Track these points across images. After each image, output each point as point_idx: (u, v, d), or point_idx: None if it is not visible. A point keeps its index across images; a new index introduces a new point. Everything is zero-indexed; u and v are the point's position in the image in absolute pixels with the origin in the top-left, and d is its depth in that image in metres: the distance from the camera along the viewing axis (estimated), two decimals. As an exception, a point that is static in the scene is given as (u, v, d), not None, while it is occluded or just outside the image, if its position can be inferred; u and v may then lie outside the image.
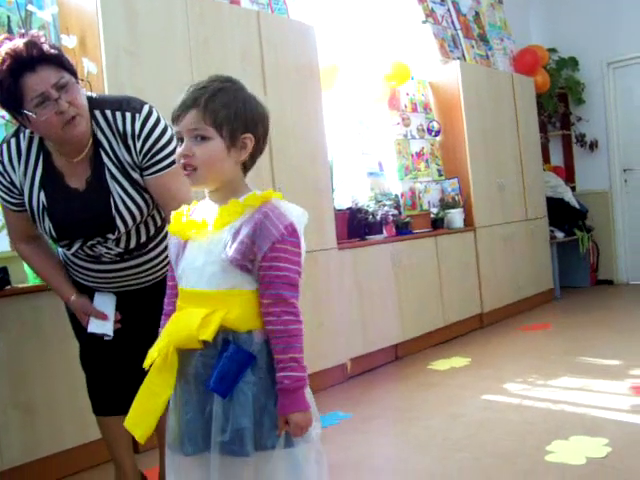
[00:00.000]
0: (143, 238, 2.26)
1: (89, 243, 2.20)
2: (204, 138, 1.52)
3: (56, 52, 2.05)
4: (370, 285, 4.73)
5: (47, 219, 2.18)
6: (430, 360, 4.83)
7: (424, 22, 6.21)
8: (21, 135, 2.18)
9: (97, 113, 2.14)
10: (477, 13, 7.05)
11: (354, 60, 5.27)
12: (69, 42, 3.37)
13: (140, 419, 1.58)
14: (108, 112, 2.14)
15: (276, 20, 4.38)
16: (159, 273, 2.33)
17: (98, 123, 2.14)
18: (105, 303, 2.31)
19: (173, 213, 1.69)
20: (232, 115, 1.53)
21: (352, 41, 5.37)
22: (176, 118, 1.55)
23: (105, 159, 2.14)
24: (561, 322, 5.89)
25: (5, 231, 3.23)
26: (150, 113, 2.16)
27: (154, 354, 1.56)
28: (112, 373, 2.39)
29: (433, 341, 5.34)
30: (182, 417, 1.54)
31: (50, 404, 3.02)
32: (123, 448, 2.47)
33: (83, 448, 3.09)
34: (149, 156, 2.14)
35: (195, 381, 1.53)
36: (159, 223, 2.30)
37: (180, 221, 1.63)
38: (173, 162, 2.14)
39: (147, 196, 2.20)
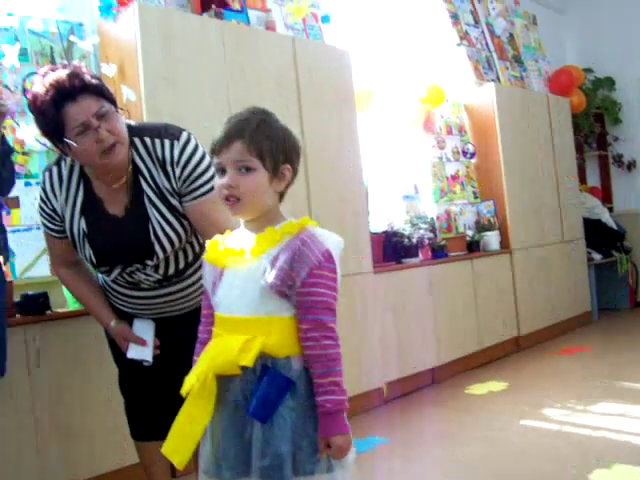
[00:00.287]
0: (182, 265, 2.28)
1: (128, 269, 2.23)
2: (249, 169, 1.55)
3: (97, 82, 2.09)
4: (406, 308, 4.71)
5: (87, 245, 2.21)
6: (467, 384, 4.78)
7: (458, 45, 6.22)
8: (62, 163, 2.22)
9: (136, 140, 2.18)
10: (511, 35, 7.04)
11: (389, 83, 5.30)
12: (109, 71, 3.44)
13: (179, 445, 1.60)
14: (147, 139, 2.18)
15: (311, 45, 4.42)
16: (197, 299, 2.33)
17: (137, 150, 2.17)
18: (144, 329, 2.33)
19: (208, 242, 1.72)
20: (274, 147, 1.57)
21: (387, 65, 5.40)
22: (219, 149, 1.57)
23: (144, 186, 2.17)
24: (600, 345, 5.81)
25: (45, 256, 3.32)
26: (188, 140, 2.19)
27: (192, 380, 1.57)
28: (150, 399, 2.40)
29: (469, 365, 5.29)
30: (220, 443, 1.55)
31: (88, 428, 3.05)
32: (160, 473, 2.48)
33: (120, 472, 3.10)
34: (188, 182, 2.16)
35: (234, 407, 1.54)
36: (197, 250, 2.31)
37: (216, 249, 1.66)
38: (212, 188, 2.15)
39: (185, 222, 2.22)
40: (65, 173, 2.21)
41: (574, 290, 6.70)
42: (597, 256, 7.15)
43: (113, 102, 2.12)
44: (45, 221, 2.26)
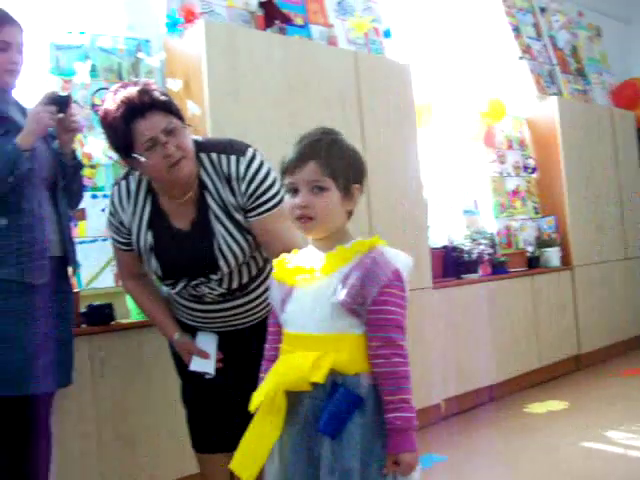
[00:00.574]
0: (245, 279, 2.30)
1: (193, 283, 2.25)
2: (322, 189, 1.58)
3: (165, 98, 2.13)
4: (465, 325, 4.66)
5: (153, 258, 2.25)
6: (526, 402, 4.70)
7: (520, 58, 6.15)
8: (131, 177, 2.27)
9: (203, 156, 2.20)
10: (574, 47, 6.93)
11: (449, 97, 5.27)
12: (174, 86, 3.51)
13: (247, 461, 1.61)
14: (213, 155, 2.20)
15: (373, 60, 4.42)
16: (261, 313, 2.36)
17: (204, 165, 2.20)
18: (207, 342, 2.36)
19: (275, 260, 1.74)
20: (346, 167, 1.61)
21: (447, 78, 5.37)
22: (292, 169, 1.60)
23: (210, 201, 2.19)
24: (665, 367, 5.64)
25: (110, 267, 3.39)
26: (254, 156, 2.20)
27: (260, 397, 1.59)
28: (212, 411, 2.42)
29: (528, 383, 5.19)
30: (288, 459, 1.56)
31: (150, 437, 3.09)
32: (220, 485, 2.50)
33: (181, 482, 3.15)
34: (253, 198, 2.18)
35: (303, 423, 1.56)
36: (260, 264, 2.33)
37: (284, 267, 1.68)
38: (276, 204, 2.18)
39: (249, 237, 2.23)
40: (133, 187, 2.26)
41: (637, 309, 6.53)
42: (662, 274, 6.95)
43: (181, 118, 2.16)
44: (113, 234, 2.31)
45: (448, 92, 5.29)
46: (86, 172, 3.36)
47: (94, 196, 3.45)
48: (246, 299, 2.33)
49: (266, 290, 2.30)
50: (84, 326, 3.00)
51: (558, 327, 5.53)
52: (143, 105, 2.07)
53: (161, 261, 2.24)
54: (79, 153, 3.08)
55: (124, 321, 3.16)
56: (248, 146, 2.24)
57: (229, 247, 2.20)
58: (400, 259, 1.59)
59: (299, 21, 4.25)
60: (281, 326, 1.69)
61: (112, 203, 2.28)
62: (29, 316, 2.36)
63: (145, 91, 2.09)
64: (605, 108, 6.73)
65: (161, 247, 2.24)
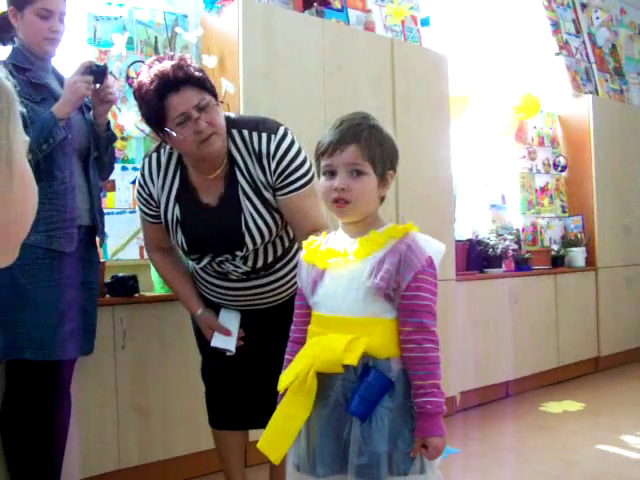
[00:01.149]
0: (270, 258, 2.30)
1: (217, 259, 2.26)
2: (360, 173, 1.58)
3: (200, 75, 2.12)
4: (485, 319, 4.64)
5: (180, 232, 2.25)
6: (542, 401, 4.67)
7: (557, 54, 6.08)
8: (162, 150, 2.27)
9: (234, 132, 2.20)
10: (614, 46, 6.84)
11: (484, 90, 5.22)
12: (209, 62, 3.50)
13: (276, 441, 1.62)
14: (245, 132, 2.20)
15: (409, 48, 4.39)
16: (285, 294, 2.36)
17: (235, 142, 2.20)
18: (230, 319, 2.36)
19: (304, 242, 1.74)
20: (384, 153, 1.62)
21: (483, 71, 5.32)
22: (332, 151, 1.59)
23: (239, 177, 2.19)
24: (685, 374, 5.58)
25: (136, 240, 3.41)
26: (285, 134, 2.20)
27: (290, 377, 1.60)
28: (232, 389, 2.43)
29: (545, 381, 5.17)
30: (316, 440, 1.56)
31: (167, 411, 3.12)
32: (235, 462, 2.51)
33: (194, 456, 3.17)
34: (283, 177, 2.18)
35: (334, 405, 1.56)
36: (287, 244, 2.33)
37: (315, 250, 1.68)
38: (306, 183, 2.18)
39: (277, 216, 2.23)
40: (163, 160, 2.26)
41: (660, 314, 6.46)
42: (687, 281, 6.87)
43: (214, 95, 2.15)
44: (142, 206, 2.32)
45: (483, 85, 5.24)
46: (117, 144, 3.36)
47: (124, 168, 3.47)
48: (271, 278, 2.33)
49: (291, 270, 2.32)
50: (108, 296, 3.02)
51: (579, 328, 5.49)
52: (177, 80, 2.06)
53: (187, 235, 2.25)
54: (112, 124, 3.10)
55: (147, 294, 3.19)
56: (280, 125, 2.23)
57: (256, 224, 2.19)
58: (433, 246, 1.60)
59: (337, 4, 4.22)
60: (310, 308, 1.69)
61: (142, 175, 2.29)
62: (56, 283, 2.40)
63: (180, 66, 2.09)
64: (640, 109, 6.64)
65: (188, 221, 2.24)
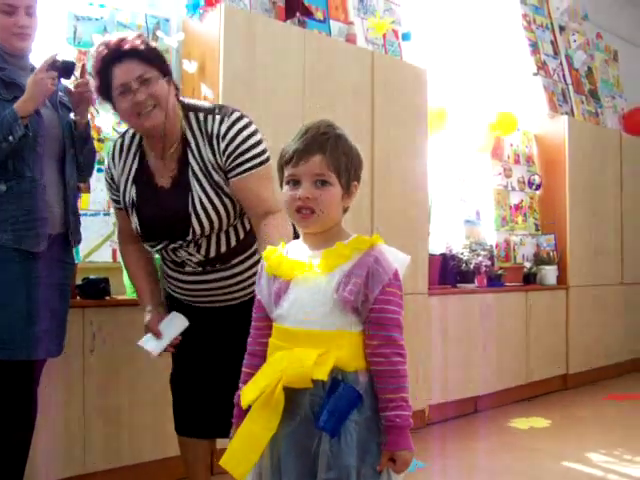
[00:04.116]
0: (223, 248, 2.29)
1: (172, 246, 2.27)
2: (325, 183, 1.56)
3: (145, 48, 2.20)
4: (456, 333, 4.66)
5: (135, 215, 2.29)
6: (510, 417, 4.70)
7: (535, 74, 6.15)
8: (126, 135, 2.36)
9: (191, 115, 2.27)
10: (590, 69, 6.93)
11: (461, 106, 5.27)
12: (190, 67, 3.50)
13: (240, 457, 1.56)
14: (201, 115, 2.27)
15: (390, 61, 4.43)
16: (243, 293, 2.34)
17: (190, 125, 2.25)
18: (172, 324, 2.35)
19: (264, 252, 1.70)
20: (349, 163, 1.60)
21: (461, 87, 5.37)
22: (297, 161, 1.56)
23: (190, 158, 2.24)
24: (651, 395, 5.64)
25: (109, 242, 3.38)
26: (240, 118, 2.24)
27: (255, 392, 1.55)
28: (197, 396, 2.41)
29: (513, 397, 5.20)
30: (282, 455, 1.53)
31: (134, 416, 3.09)
32: (201, 470, 2.49)
33: (161, 463, 3.14)
34: (232, 157, 2.20)
35: (301, 420, 1.53)
36: (242, 236, 2.33)
37: (277, 261, 1.64)
38: (260, 164, 2.21)
39: (228, 202, 2.24)
40: (126, 143, 2.35)
41: (630, 334, 6.53)
42: (656, 302, 6.96)
43: (165, 72, 2.23)
44: (108, 191, 2.42)
45: (461, 101, 5.29)
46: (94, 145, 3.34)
47: (99, 170, 3.42)
48: (227, 273, 2.32)
49: (249, 269, 2.32)
50: (79, 298, 2.99)
51: (548, 345, 5.54)
52: (122, 52, 2.16)
53: (141, 218, 2.28)
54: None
55: (119, 297, 3.16)
56: (237, 110, 2.28)
57: (203, 207, 2.21)
58: (399, 258, 1.59)
59: (319, 15, 4.24)
60: (270, 320, 1.65)
61: (107, 159, 2.38)
62: (24, 283, 2.36)
63: (126, 39, 2.18)
64: (615, 132, 6.73)
65: (142, 204, 2.28)
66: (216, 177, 2.22)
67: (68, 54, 3.24)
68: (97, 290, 3.03)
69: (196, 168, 2.22)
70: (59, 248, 2.51)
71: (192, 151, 2.23)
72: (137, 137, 2.32)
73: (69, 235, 2.54)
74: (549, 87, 6.25)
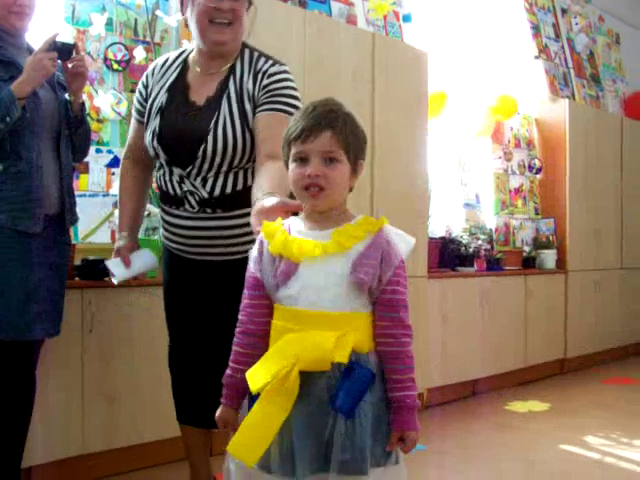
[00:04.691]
0: (229, 189, 2.25)
1: (178, 171, 2.25)
2: (334, 160, 1.54)
3: None
4: (455, 317, 4.66)
5: (158, 119, 2.27)
6: (507, 400, 4.71)
7: (536, 57, 6.12)
8: (173, 53, 2.40)
9: (246, 51, 2.30)
10: (592, 52, 6.90)
11: (462, 90, 5.24)
12: (190, 48, 3.46)
13: (251, 443, 1.51)
14: (256, 53, 2.30)
15: (391, 43, 4.39)
16: (242, 248, 2.24)
17: (242, 58, 2.28)
18: (143, 258, 2.36)
19: (263, 228, 1.62)
20: (357, 141, 1.58)
21: (462, 70, 5.34)
22: (306, 137, 1.53)
23: (231, 84, 2.25)
24: (649, 379, 5.66)
25: (107, 223, 3.37)
26: (289, 72, 2.28)
27: (265, 377, 1.50)
28: (199, 380, 2.35)
29: (512, 381, 5.21)
30: (295, 440, 1.49)
31: (133, 396, 3.09)
32: (200, 454, 2.47)
33: (160, 443, 3.14)
34: (269, 93, 2.21)
35: (318, 402, 1.50)
36: (249, 182, 2.26)
37: (282, 240, 1.57)
38: (286, 112, 2.18)
39: (247, 134, 2.22)
40: (171, 58, 2.38)
41: (628, 319, 6.55)
42: (654, 287, 6.97)
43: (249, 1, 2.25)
44: (135, 100, 2.41)
45: (461, 84, 5.26)
46: (93, 126, 3.32)
47: (98, 150, 3.42)
48: (226, 223, 2.26)
49: (249, 225, 2.27)
50: (77, 279, 2.98)
51: (547, 329, 5.55)
52: None
53: (162, 124, 2.27)
54: (87, 106, 3.05)
55: (117, 279, 3.14)
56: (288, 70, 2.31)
57: (224, 128, 2.21)
58: (406, 240, 1.58)
59: (320, -4, 4.20)
60: (269, 300, 1.60)
61: (147, 70, 2.39)
62: (21, 264, 2.35)
63: None
64: (616, 116, 6.72)
65: (169, 110, 2.28)
66: (247, 106, 2.23)
67: (67, 35, 3.22)
68: (96, 271, 3.01)
69: (232, 93, 2.24)
70: (55, 228, 2.50)
71: (235, 79, 2.25)
72: (184, 55, 2.36)
73: (65, 215, 2.53)
74: (550, 70, 6.22)
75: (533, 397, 4.82)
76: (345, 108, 1.60)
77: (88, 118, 2.71)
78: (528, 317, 5.35)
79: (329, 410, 1.49)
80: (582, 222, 5.98)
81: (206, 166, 2.22)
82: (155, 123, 2.28)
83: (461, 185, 5.37)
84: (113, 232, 3.40)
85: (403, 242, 1.58)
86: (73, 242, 3.01)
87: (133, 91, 3.49)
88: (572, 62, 6.59)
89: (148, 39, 3.57)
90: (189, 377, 2.40)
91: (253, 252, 1.64)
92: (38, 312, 2.38)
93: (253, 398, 1.54)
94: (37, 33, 2.67)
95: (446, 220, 5.11)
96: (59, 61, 2.40)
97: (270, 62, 2.27)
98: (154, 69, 2.37)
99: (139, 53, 3.38)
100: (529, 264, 5.61)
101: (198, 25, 2.21)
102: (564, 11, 6.64)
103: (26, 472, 2.73)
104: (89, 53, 3.38)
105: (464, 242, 4.87)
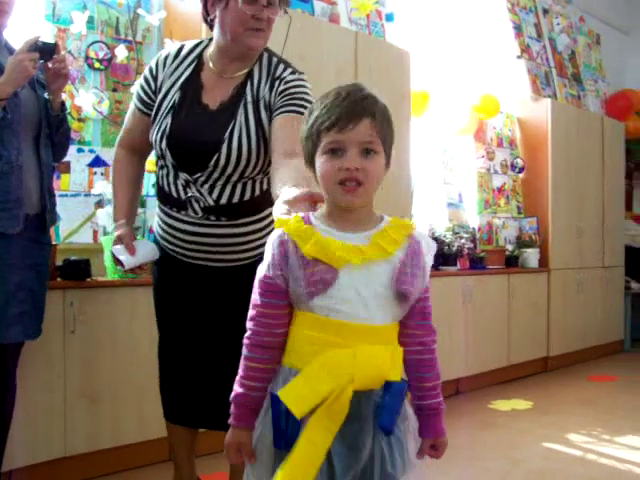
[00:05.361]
0: (236, 198, 2.20)
1: (185, 176, 2.18)
2: (372, 152, 1.39)
3: None
4: (438, 316, 4.59)
5: (169, 119, 2.19)
6: (491, 399, 4.73)
7: (519, 57, 6.15)
8: (187, 45, 2.29)
9: (265, 55, 2.25)
10: (573, 52, 6.94)
11: (444, 89, 5.25)
12: (172, 47, 3.44)
13: (301, 472, 1.36)
14: (275, 59, 2.25)
15: (373, 42, 4.39)
16: (244, 255, 2.25)
17: (261, 63, 2.23)
18: (146, 248, 2.29)
19: (289, 225, 1.42)
20: (392, 131, 1.45)
21: (444, 69, 5.35)
22: (343, 125, 1.36)
23: (247, 89, 2.20)
24: (629, 376, 5.69)
25: (89, 224, 3.35)
26: (307, 82, 2.23)
27: (313, 400, 1.35)
28: (189, 378, 2.31)
29: (495, 379, 5.23)
30: (338, 460, 1.37)
31: (116, 398, 3.06)
32: (185, 455, 2.43)
33: (143, 445, 3.12)
34: (286, 97, 2.16)
35: (363, 422, 1.39)
36: (257, 193, 2.24)
37: (318, 242, 1.38)
38: (301, 113, 2.08)
39: (262, 144, 2.17)
40: (185, 51, 2.27)
41: (609, 317, 6.61)
42: (635, 285, 7.04)
43: (286, 5, 2.22)
44: (140, 90, 2.29)
45: (443, 83, 5.27)
46: (74, 125, 3.31)
47: (80, 150, 3.40)
48: (230, 231, 2.22)
49: (254, 233, 2.24)
50: (59, 280, 2.95)
51: (530, 328, 5.57)
52: None
53: (172, 125, 2.18)
54: (68, 105, 3.03)
55: (100, 279, 3.12)
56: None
57: (239, 138, 2.15)
58: (429, 245, 1.49)
59: (303, -5, 4.20)
60: (291, 308, 1.44)
61: (157, 59, 2.29)
62: (1, 264, 2.32)
63: None
64: (597, 116, 6.76)
65: (181, 110, 2.20)
66: (263, 115, 2.18)
67: (47, 34, 3.20)
68: (78, 271, 2.99)
69: (249, 101, 2.19)
70: (35, 229, 2.47)
71: (252, 85, 2.21)
72: (199, 49, 2.27)
73: (45, 215, 2.50)
74: (532, 70, 6.25)
75: (516, 395, 4.85)
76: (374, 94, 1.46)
77: (69, 117, 2.68)
78: (511, 316, 5.38)
79: (370, 428, 1.38)
80: (564, 221, 6.02)
81: (216, 175, 2.16)
82: (166, 123, 2.19)
83: (444, 184, 5.38)
84: (95, 232, 3.37)
85: (428, 247, 1.47)
86: (54, 242, 3.00)
87: (115, 90, 3.49)
88: (554, 62, 6.63)
89: (130, 38, 3.55)
90: (179, 375, 2.35)
91: (269, 255, 1.42)
92: (17, 314, 2.35)
93: (278, 416, 1.39)
94: (17, 31, 2.64)
95: (429, 219, 5.12)
96: (40, 61, 2.36)
97: (289, 70, 2.22)
98: (166, 59, 2.26)
99: (121, 52, 3.36)
100: (512, 263, 5.63)
101: (232, 29, 2.14)
102: (546, 11, 6.67)
103: (7, 476, 2.71)
104: (70, 52, 3.35)
105: (447, 241, 4.88)
